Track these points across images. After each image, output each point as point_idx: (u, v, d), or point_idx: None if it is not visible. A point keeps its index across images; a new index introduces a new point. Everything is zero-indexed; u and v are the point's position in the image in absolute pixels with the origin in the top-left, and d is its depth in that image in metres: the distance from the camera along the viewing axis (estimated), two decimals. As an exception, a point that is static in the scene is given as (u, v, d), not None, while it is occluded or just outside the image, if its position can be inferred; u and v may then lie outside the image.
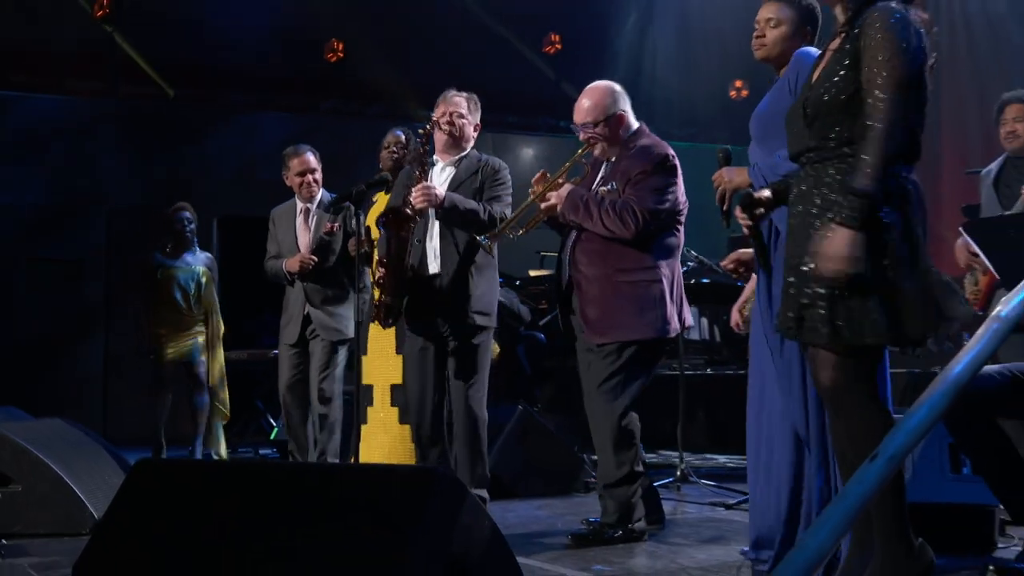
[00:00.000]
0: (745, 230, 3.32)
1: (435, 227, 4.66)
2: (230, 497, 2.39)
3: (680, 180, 4.29)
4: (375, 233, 5.17)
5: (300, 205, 5.93)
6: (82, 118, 9.44)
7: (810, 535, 2.73)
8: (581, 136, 4.31)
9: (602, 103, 4.28)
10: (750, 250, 3.73)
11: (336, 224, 5.67)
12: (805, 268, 2.97)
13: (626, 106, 4.34)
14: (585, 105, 4.29)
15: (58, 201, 9.32)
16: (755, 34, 3.74)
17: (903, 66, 2.84)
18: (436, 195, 4.46)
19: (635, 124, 4.36)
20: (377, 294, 4.59)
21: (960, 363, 3.01)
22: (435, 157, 4.78)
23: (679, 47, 10.66)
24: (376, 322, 4.64)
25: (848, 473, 2.98)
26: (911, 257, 2.91)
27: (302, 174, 5.79)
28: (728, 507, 5.16)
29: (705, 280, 6.73)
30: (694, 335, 7.15)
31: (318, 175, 5.86)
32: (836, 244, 2.80)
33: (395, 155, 5.43)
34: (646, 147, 4.26)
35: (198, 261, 7.12)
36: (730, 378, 7.31)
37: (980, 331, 3.09)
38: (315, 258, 5.66)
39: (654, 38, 10.46)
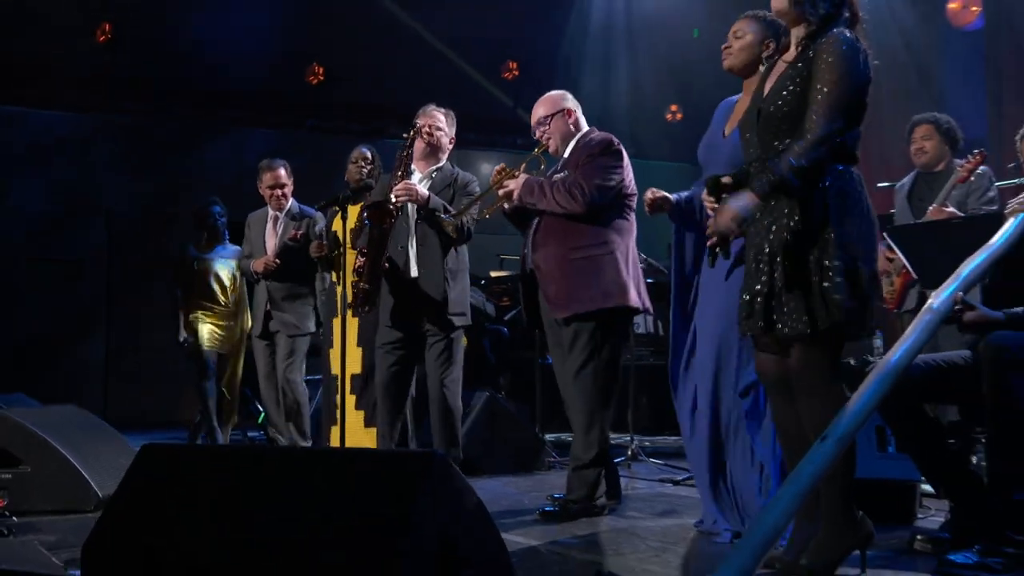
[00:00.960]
0: (710, 212, 3.25)
1: (413, 234, 4.60)
2: (234, 480, 2.26)
3: (627, 165, 4.20)
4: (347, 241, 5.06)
5: (271, 213, 5.92)
6: (84, 132, 9.30)
7: (767, 511, 2.66)
8: (537, 134, 4.29)
9: (553, 102, 4.29)
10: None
11: (300, 231, 5.69)
12: (757, 266, 2.91)
13: (575, 106, 4.31)
14: (539, 107, 4.31)
15: (61, 207, 9.16)
16: (723, 46, 3.73)
17: (846, 90, 2.84)
18: (419, 193, 4.43)
19: (585, 125, 4.32)
20: (356, 279, 4.49)
21: (898, 352, 2.95)
22: (413, 166, 4.68)
23: (625, 75, 10.65)
24: (351, 308, 4.52)
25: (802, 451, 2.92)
26: (850, 256, 2.85)
27: (272, 187, 5.81)
28: (675, 483, 5.09)
29: (650, 280, 6.72)
30: (640, 329, 7.11)
31: (287, 189, 5.86)
32: (737, 202, 2.86)
33: (362, 169, 5.35)
34: (593, 137, 4.22)
35: (229, 253, 6.88)
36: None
37: (914, 322, 3.05)
38: (278, 261, 5.67)
39: (602, 66, 10.41)
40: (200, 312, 6.76)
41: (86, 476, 4.29)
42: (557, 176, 4.13)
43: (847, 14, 2.97)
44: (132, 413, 8.29)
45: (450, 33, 9.90)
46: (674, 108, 11.23)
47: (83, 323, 9.20)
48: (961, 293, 3.03)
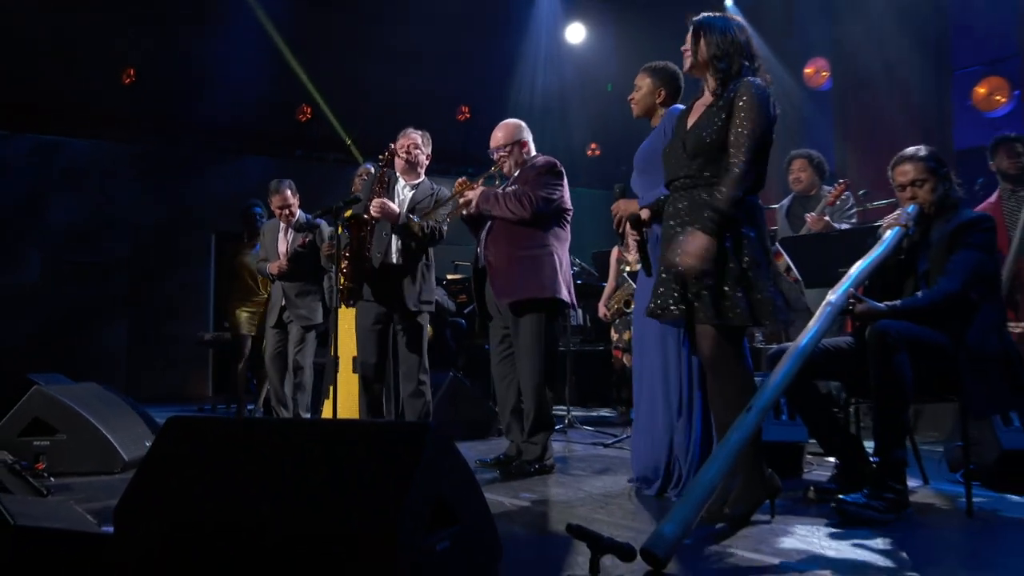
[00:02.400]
0: (634, 243, 3.19)
1: (392, 234, 4.45)
2: (251, 448, 2.07)
3: (566, 184, 4.08)
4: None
5: (282, 224, 5.71)
6: (111, 158, 9.09)
7: (704, 471, 2.53)
8: (494, 156, 4.14)
9: (510, 133, 4.13)
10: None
11: (307, 238, 5.56)
12: (681, 268, 2.82)
13: (528, 137, 4.17)
14: (499, 134, 4.15)
15: (91, 220, 8.91)
16: (629, 97, 3.72)
17: (760, 127, 2.78)
18: (391, 211, 4.30)
19: (535, 151, 4.20)
20: (342, 280, 4.35)
21: (805, 337, 2.86)
22: (398, 174, 4.55)
23: (556, 119, 10.61)
24: (342, 304, 4.40)
25: (722, 419, 2.81)
26: (765, 260, 2.80)
27: (280, 208, 5.62)
28: (606, 446, 4.95)
29: (579, 281, 6.68)
30: (573, 321, 7.01)
31: (293, 208, 5.64)
32: (695, 244, 2.73)
33: (365, 180, 5.12)
34: (538, 160, 4.08)
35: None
36: (597, 352, 7.24)
37: (817, 314, 2.97)
38: (287, 264, 5.51)
39: (539, 112, 10.36)
40: (239, 302, 6.55)
41: (113, 443, 4.11)
42: (509, 189, 4.00)
43: (755, 65, 2.92)
44: (148, 391, 8.04)
45: (413, 85, 9.75)
46: (593, 146, 11.37)
47: (108, 316, 9.01)
48: (853, 289, 2.96)
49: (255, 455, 2.02)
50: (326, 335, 5.59)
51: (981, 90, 9.07)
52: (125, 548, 2.03)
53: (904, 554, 2.48)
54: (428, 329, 4.61)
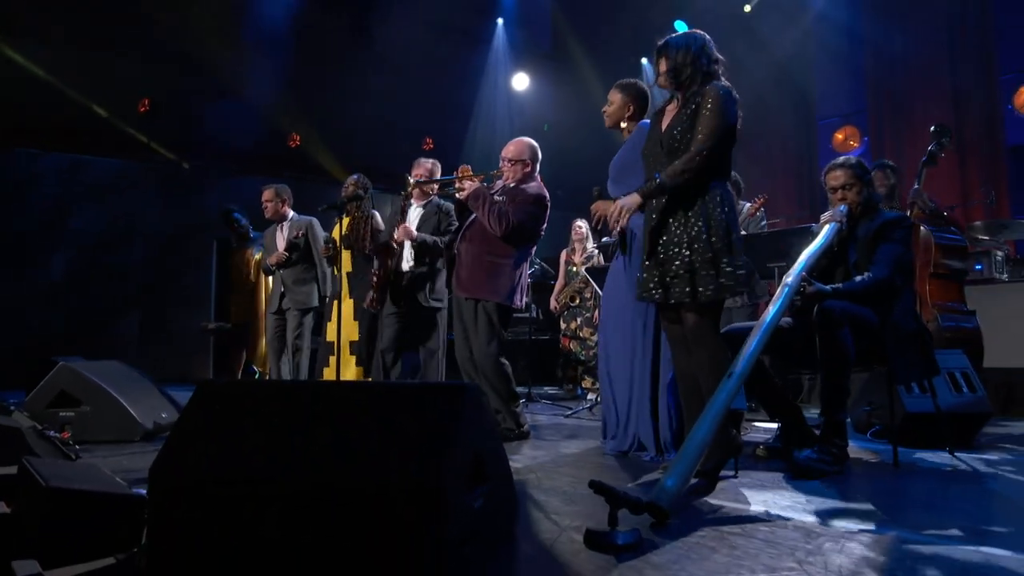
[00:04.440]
0: (613, 226, 2.87)
1: (411, 248, 4.15)
2: (287, 409, 1.68)
3: (546, 215, 3.68)
4: (339, 242, 4.70)
5: (277, 224, 5.30)
6: (129, 175, 8.45)
7: (695, 431, 2.21)
8: (500, 164, 3.70)
9: (519, 151, 3.66)
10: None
11: (301, 232, 5.16)
12: (670, 258, 2.54)
13: (534, 160, 3.67)
14: (511, 148, 3.69)
15: (111, 228, 8.28)
16: (603, 109, 3.37)
17: (721, 125, 2.54)
18: (412, 234, 4.04)
19: (536, 175, 3.71)
20: (371, 292, 4.23)
21: (769, 315, 2.58)
22: (412, 201, 4.23)
23: (495, 146, 10.35)
24: (370, 304, 4.25)
25: (705, 384, 2.54)
26: (732, 241, 2.53)
27: (264, 202, 5.28)
28: (567, 416, 4.63)
29: (539, 276, 6.43)
30: (528, 314, 6.69)
31: (269, 204, 5.25)
32: (626, 201, 2.59)
33: (355, 189, 4.71)
34: (535, 188, 3.63)
35: (252, 245, 6.19)
36: (546, 340, 6.97)
37: (776, 293, 2.72)
38: (287, 254, 5.08)
39: (487, 144, 10.08)
40: (234, 294, 6.11)
41: (132, 413, 3.62)
42: (498, 197, 3.60)
43: (715, 69, 2.66)
44: (157, 373, 7.42)
45: (385, 116, 9.38)
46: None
47: (125, 309, 8.36)
48: (805, 273, 2.73)
49: (292, 416, 1.63)
50: (321, 322, 5.21)
51: (839, 136, 9.17)
52: (160, 507, 1.62)
53: (863, 498, 2.25)
54: (441, 321, 4.25)
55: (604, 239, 4.73)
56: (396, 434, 1.47)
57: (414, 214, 4.18)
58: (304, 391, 1.70)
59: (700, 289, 2.47)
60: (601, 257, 5.62)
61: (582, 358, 5.92)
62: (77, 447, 3.08)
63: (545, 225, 3.70)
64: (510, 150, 3.67)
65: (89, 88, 7.94)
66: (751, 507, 2.16)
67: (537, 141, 3.75)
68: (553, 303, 6.04)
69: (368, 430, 1.51)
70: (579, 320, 5.95)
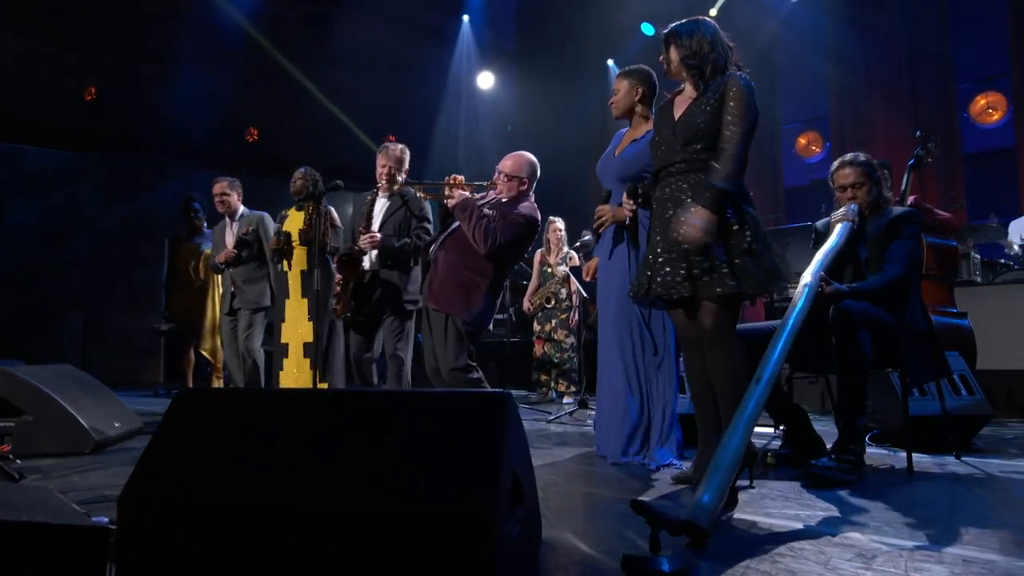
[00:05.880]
0: (628, 213, 2.65)
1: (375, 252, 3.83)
2: (288, 422, 1.41)
3: (532, 240, 3.37)
4: (296, 238, 4.32)
5: (228, 219, 4.92)
6: (72, 167, 7.91)
7: (728, 439, 2.01)
8: (495, 177, 3.33)
9: (517, 167, 3.28)
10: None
11: (251, 228, 4.77)
12: (687, 246, 2.35)
13: (531, 179, 3.31)
14: (508, 162, 3.31)
15: (53, 223, 7.74)
16: (610, 101, 3.16)
17: (750, 115, 2.37)
18: (377, 241, 3.72)
19: (531, 193, 3.34)
20: (336, 303, 3.83)
21: (792, 316, 2.41)
22: (377, 191, 3.86)
23: (463, 149, 10.14)
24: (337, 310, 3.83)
25: (724, 386, 2.36)
26: (764, 236, 2.36)
27: (216, 195, 4.88)
28: (548, 421, 4.42)
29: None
30: (500, 316, 6.48)
31: (224, 197, 4.86)
32: (699, 218, 2.29)
33: (297, 183, 4.37)
34: (528, 208, 3.27)
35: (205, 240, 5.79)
36: (518, 342, 6.76)
37: (797, 293, 2.56)
38: (236, 252, 4.70)
39: (450, 143, 9.87)
40: (180, 292, 5.63)
41: (82, 422, 3.24)
42: (487, 210, 3.24)
43: (730, 56, 2.50)
44: (104, 376, 6.93)
45: (346, 112, 9.10)
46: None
47: (68, 308, 7.83)
48: (823, 272, 2.58)
49: (299, 430, 1.37)
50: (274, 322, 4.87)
51: (802, 141, 9.23)
52: (131, 542, 1.34)
53: (896, 510, 2.09)
54: (411, 327, 3.87)
55: (585, 238, 4.53)
56: (432, 452, 1.22)
57: (379, 206, 3.84)
58: (311, 401, 1.44)
59: (744, 283, 2.29)
60: (580, 257, 5.43)
61: (556, 360, 5.72)
62: (19, 462, 2.73)
63: (526, 248, 3.40)
64: (507, 164, 3.31)
65: (31, 74, 7.38)
66: (784, 522, 1.98)
67: (501, 142, 3.44)
68: (527, 304, 5.83)
69: (397, 447, 1.26)
70: (554, 322, 5.75)
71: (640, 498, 1.66)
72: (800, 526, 1.93)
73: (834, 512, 2.09)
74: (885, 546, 1.74)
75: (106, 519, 1.64)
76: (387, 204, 3.82)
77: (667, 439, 2.84)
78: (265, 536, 1.23)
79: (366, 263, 3.76)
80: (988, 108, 7.96)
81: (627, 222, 2.75)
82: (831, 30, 8.66)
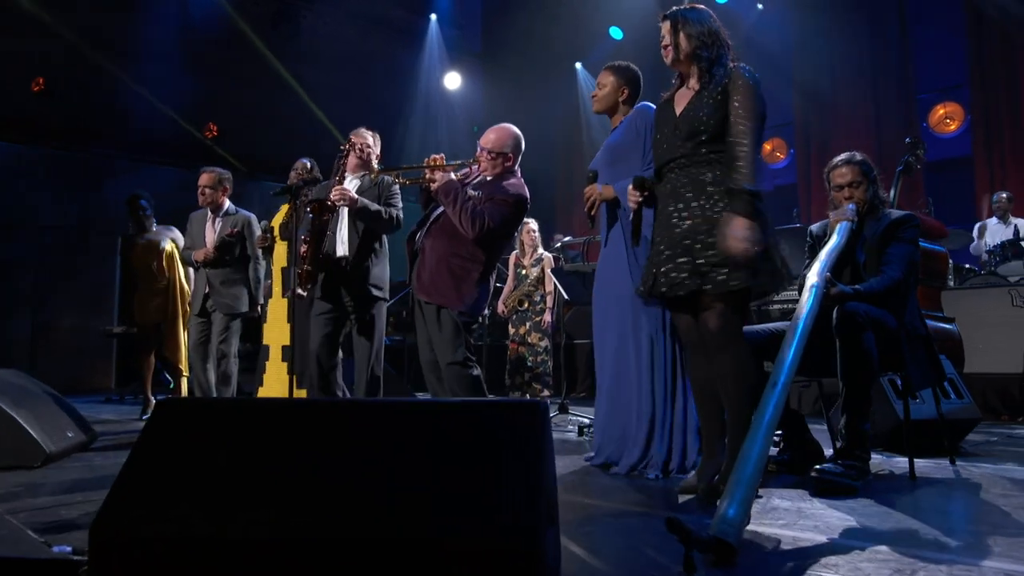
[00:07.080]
0: (633, 205, 2.50)
1: (344, 221, 3.44)
2: (292, 436, 1.23)
3: (522, 219, 3.22)
4: (277, 233, 4.11)
5: (210, 213, 4.51)
6: (20, 161, 7.43)
7: (748, 450, 1.87)
8: (478, 152, 3.10)
9: (501, 142, 3.06)
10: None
11: (236, 229, 4.41)
12: (698, 244, 2.23)
13: (515, 152, 3.10)
14: (491, 136, 3.08)
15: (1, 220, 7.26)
16: (592, 94, 3.05)
17: (758, 108, 2.26)
18: (351, 197, 3.31)
19: (517, 168, 3.13)
20: (301, 262, 3.29)
21: (803, 317, 2.31)
22: (347, 174, 3.53)
23: (433, 143, 9.92)
24: (299, 288, 3.28)
25: (731, 392, 2.24)
26: (774, 234, 2.27)
27: (201, 187, 4.47)
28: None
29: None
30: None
31: (206, 191, 4.44)
32: (741, 228, 2.15)
33: (301, 176, 4.10)
34: (515, 185, 3.06)
35: (161, 236, 5.30)
36: (492, 345, 6.61)
37: (804, 294, 2.46)
38: (215, 253, 4.35)
39: (422, 133, 9.69)
40: (143, 292, 5.20)
41: (32, 433, 2.95)
42: (471, 192, 3.02)
43: (730, 52, 2.39)
44: (51, 382, 6.51)
45: (309, 109, 8.85)
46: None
47: (14, 310, 7.35)
48: (828, 273, 2.49)
49: (307, 445, 1.18)
50: (251, 324, 4.55)
51: (767, 147, 9.31)
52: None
53: (912, 517, 2.01)
54: (382, 317, 3.54)
55: (566, 238, 4.39)
56: (465, 472, 1.06)
57: (350, 187, 3.48)
58: (318, 413, 1.25)
59: (749, 274, 2.18)
60: (555, 258, 5.30)
61: (530, 364, 5.58)
62: (-39, 479, 2.46)
63: (515, 231, 3.25)
64: (490, 139, 3.08)
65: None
66: (808, 535, 1.87)
67: (468, 142, 3.24)
68: (501, 306, 5.68)
69: (422, 466, 1.08)
70: (528, 325, 5.60)
71: (645, 510, 1.52)
72: (824, 539, 1.82)
73: (853, 523, 1.99)
74: (921, 560, 1.64)
75: (69, 548, 1.43)
76: (358, 184, 3.53)
77: (672, 446, 2.71)
78: (266, 573, 1.05)
79: (339, 248, 3.44)
80: (946, 118, 8.13)
81: (631, 216, 2.62)
82: (796, 39, 8.76)
